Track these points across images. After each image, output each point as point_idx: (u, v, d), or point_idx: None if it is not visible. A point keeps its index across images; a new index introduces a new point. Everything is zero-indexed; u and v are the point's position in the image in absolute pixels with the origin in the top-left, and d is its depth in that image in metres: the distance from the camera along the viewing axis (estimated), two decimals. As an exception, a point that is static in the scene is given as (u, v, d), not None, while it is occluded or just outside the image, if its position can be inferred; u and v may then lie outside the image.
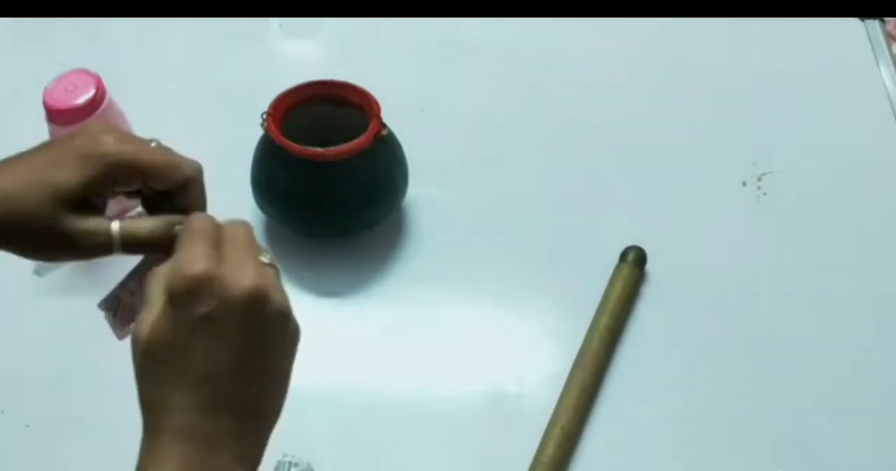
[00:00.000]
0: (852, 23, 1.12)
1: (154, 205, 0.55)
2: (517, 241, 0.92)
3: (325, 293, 0.88)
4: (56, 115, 0.80)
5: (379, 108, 0.85)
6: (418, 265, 0.90)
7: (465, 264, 0.90)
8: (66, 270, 0.88)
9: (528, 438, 0.78)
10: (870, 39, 1.10)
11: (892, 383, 0.83)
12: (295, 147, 0.82)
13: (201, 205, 0.55)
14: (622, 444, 0.79)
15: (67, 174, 0.51)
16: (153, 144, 0.55)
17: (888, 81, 1.06)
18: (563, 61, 1.08)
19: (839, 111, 1.04)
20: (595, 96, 1.05)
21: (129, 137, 0.54)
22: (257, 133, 0.87)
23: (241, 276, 0.48)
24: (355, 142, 0.83)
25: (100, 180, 0.52)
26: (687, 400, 0.82)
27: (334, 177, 0.84)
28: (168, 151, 0.55)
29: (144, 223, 0.53)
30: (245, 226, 0.52)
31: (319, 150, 0.82)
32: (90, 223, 0.52)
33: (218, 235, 0.51)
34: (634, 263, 0.87)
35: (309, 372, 0.83)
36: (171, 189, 0.54)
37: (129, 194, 0.55)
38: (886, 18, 1.14)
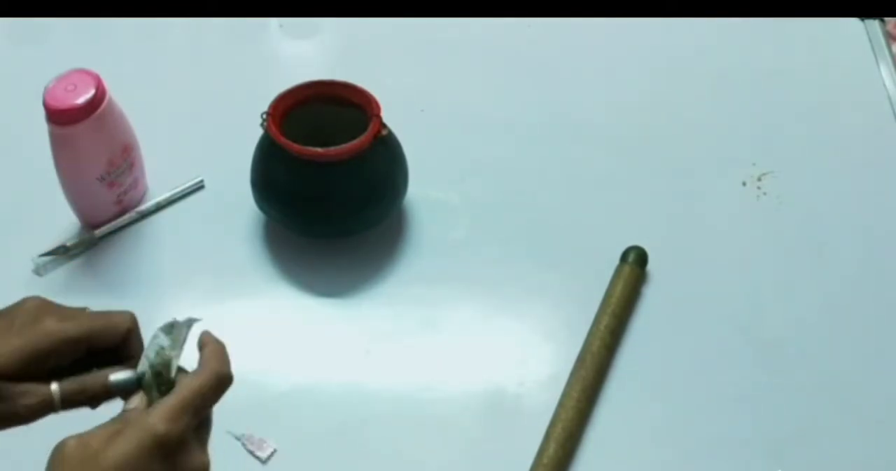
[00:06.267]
0: (852, 23, 1.12)
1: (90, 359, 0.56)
2: (517, 241, 0.92)
3: (325, 293, 0.88)
4: (56, 115, 0.80)
5: (379, 108, 0.85)
6: (418, 265, 0.90)
7: (465, 264, 0.90)
8: (66, 270, 0.88)
9: (529, 438, 0.78)
10: (870, 39, 1.10)
11: (893, 382, 0.83)
12: (295, 147, 0.82)
13: (139, 349, 0.57)
14: (624, 444, 0.79)
15: (7, 352, 0.53)
16: (87, 310, 0.56)
17: (888, 81, 1.06)
18: (564, 61, 1.08)
19: (839, 111, 1.04)
20: (595, 96, 1.05)
21: (67, 313, 0.55)
22: (257, 133, 0.86)
23: None
24: (355, 142, 0.83)
25: (42, 357, 0.53)
26: (688, 400, 0.82)
27: (334, 177, 0.84)
28: (102, 313, 0.56)
29: (83, 381, 0.55)
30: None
31: (319, 150, 0.82)
32: (29, 388, 0.53)
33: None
34: (635, 263, 0.87)
35: (308, 372, 0.84)
36: (114, 346, 0.56)
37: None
38: (886, 18, 1.14)
